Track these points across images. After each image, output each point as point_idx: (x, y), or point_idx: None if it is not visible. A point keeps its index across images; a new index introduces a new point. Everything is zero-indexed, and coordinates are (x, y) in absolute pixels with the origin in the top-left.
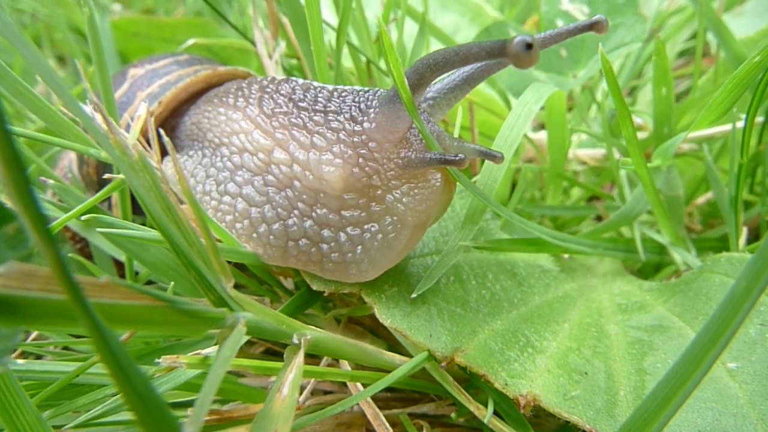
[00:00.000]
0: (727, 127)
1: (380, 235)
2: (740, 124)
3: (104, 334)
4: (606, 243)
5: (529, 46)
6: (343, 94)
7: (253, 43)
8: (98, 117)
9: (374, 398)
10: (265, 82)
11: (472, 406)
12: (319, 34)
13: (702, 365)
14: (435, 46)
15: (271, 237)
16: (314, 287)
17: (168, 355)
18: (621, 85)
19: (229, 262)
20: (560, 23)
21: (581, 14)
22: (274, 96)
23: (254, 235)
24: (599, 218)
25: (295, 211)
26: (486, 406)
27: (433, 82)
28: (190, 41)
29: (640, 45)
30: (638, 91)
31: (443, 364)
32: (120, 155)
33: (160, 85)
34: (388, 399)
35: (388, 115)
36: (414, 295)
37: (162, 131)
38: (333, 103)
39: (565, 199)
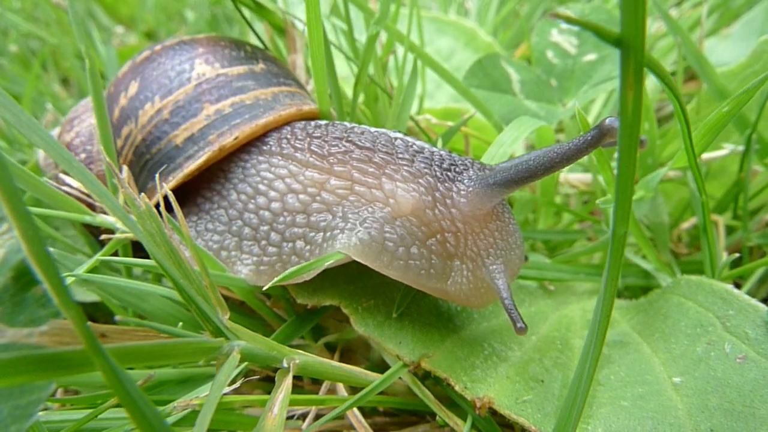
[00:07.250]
0: (710, 155)
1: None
2: (723, 152)
3: (119, 375)
4: (587, 269)
5: None
6: (412, 146)
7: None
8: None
9: (371, 422)
10: (310, 129)
11: (451, 422)
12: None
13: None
14: (431, 74)
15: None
16: (299, 300)
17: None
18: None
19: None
20: (550, 54)
21: (570, 46)
22: (326, 139)
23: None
24: (591, 239)
25: (339, 215)
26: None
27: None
28: None
29: None
30: None
31: (410, 368)
32: (130, 206)
33: (232, 104)
34: (385, 423)
35: (479, 193)
36: (395, 315)
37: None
38: (401, 150)
39: (557, 221)
